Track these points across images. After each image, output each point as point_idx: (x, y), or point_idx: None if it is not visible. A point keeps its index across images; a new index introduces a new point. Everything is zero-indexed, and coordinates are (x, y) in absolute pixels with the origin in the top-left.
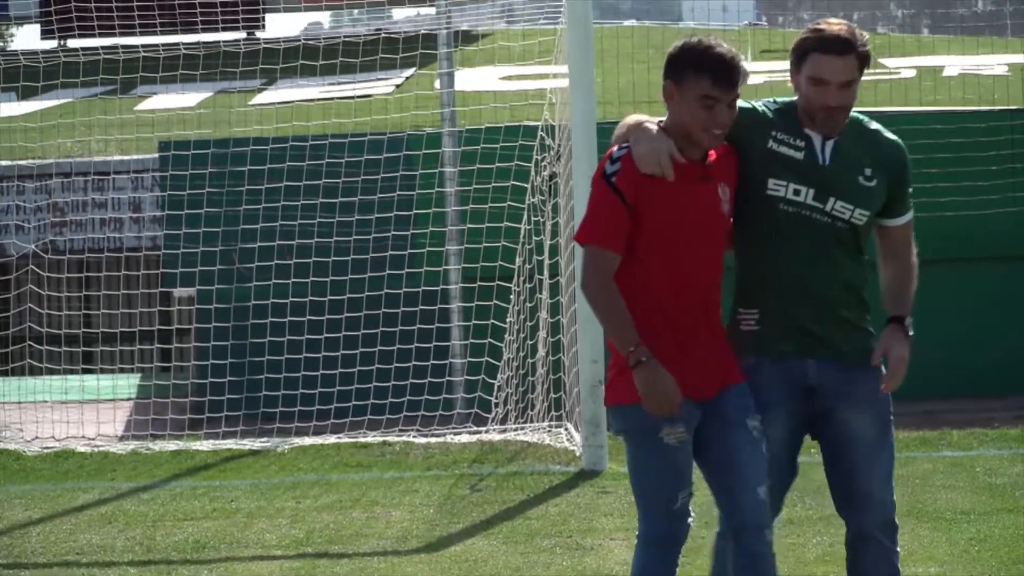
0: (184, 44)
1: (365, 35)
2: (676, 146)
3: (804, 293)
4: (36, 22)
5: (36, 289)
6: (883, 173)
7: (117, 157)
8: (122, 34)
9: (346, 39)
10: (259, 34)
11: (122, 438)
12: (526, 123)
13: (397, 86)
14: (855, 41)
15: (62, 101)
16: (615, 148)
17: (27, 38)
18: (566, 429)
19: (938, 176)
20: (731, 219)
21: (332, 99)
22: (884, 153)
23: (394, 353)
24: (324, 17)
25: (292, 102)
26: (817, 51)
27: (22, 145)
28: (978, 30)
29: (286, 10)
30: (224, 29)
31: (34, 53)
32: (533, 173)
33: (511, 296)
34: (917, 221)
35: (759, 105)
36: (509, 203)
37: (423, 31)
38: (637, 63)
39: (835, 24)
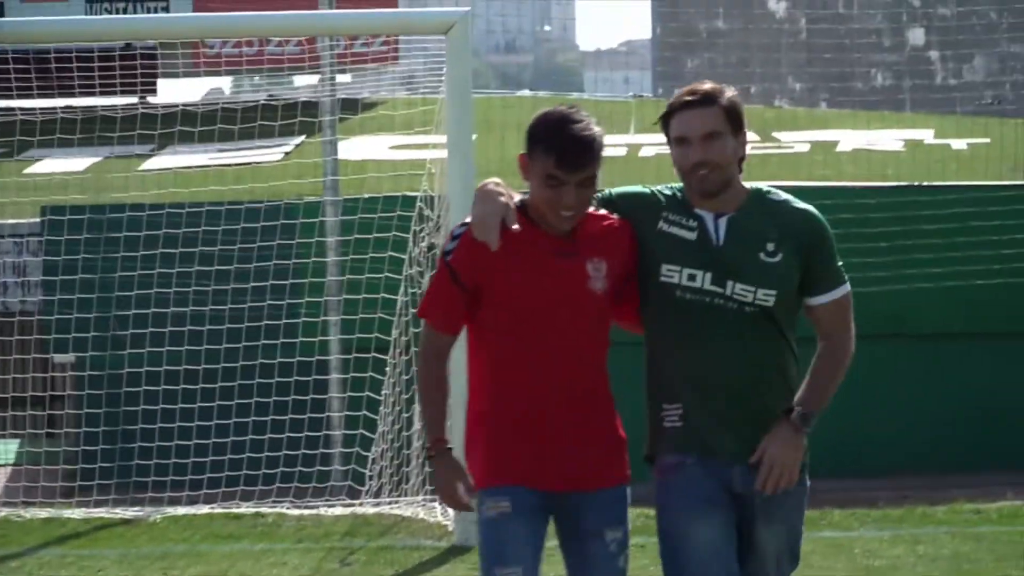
0: (76, 108)
1: (252, 102)
2: (541, 218)
3: (720, 387)
4: None
5: None
6: (791, 246)
7: (2, 220)
8: (11, 97)
9: (229, 105)
10: (151, 99)
11: (2, 504)
12: (406, 193)
13: (286, 153)
14: (716, 94)
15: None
16: (459, 224)
17: None
18: (440, 503)
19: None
20: (610, 297)
21: (220, 166)
22: (790, 223)
23: (268, 424)
24: (225, 83)
25: (180, 168)
26: (677, 110)
27: None
28: (876, 104)
29: (184, 75)
30: (118, 93)
31: None
32: (411, 244)
33: (387, 368)
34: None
35: (654, 188)
36: (387, 274)
37: (305, 99)
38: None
39: (695, 84)
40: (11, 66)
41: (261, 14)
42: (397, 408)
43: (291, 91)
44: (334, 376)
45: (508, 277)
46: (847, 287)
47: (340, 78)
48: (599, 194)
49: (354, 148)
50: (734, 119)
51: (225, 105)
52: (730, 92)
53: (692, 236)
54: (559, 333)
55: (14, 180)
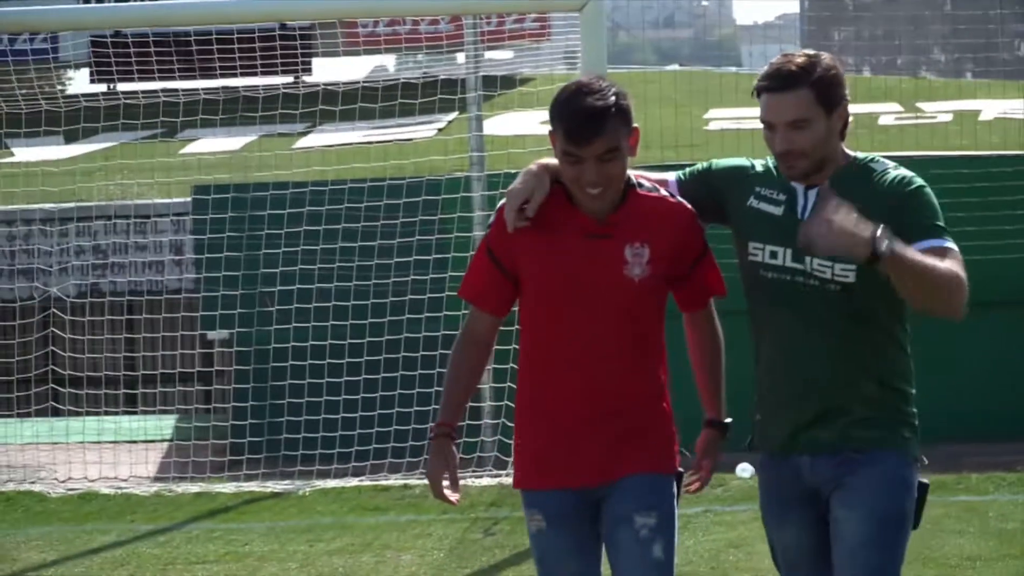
0: (229, 88)
1: (408, 79)
2: (578, 199)
3: (793, 374)
4: (86, 66)
5: (59, 333)
6: (875, 214)
7: (159, 200)
8: (170, 78)
9: (388, 83)
10: (306, 78)
11: (155, 480)
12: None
13: (439, 130)
14: (805, 73)
15: (106, 145)
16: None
17: (77, 82)
18: None
19: (965, 220)
20: (655, 283)
21: (372, 143)
22: (877, 191)
23: (415, 397)
24: (389, 61)
25: (332, 146)
26: (763, 91)
27: (66, 188)
28: (1020, 74)
29: (342, 54)
30: (271, 73)
31: (76, 97)
32: None
33: None
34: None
35: (753, 161)
36: None
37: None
38: (679, 106)
39: (788, 56)
40: (151, 49)
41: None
42: None
43: (452, 67)
44: None
45: (538, 259)
46: (950, 243)
47: (500, 55)
48: (699, 165)
49: (506, 124)
50: (827, 97)
51: (384, 83)
52: (825, 63)
53: (779, 211)
54: (591, 321)
55: (172, 160)
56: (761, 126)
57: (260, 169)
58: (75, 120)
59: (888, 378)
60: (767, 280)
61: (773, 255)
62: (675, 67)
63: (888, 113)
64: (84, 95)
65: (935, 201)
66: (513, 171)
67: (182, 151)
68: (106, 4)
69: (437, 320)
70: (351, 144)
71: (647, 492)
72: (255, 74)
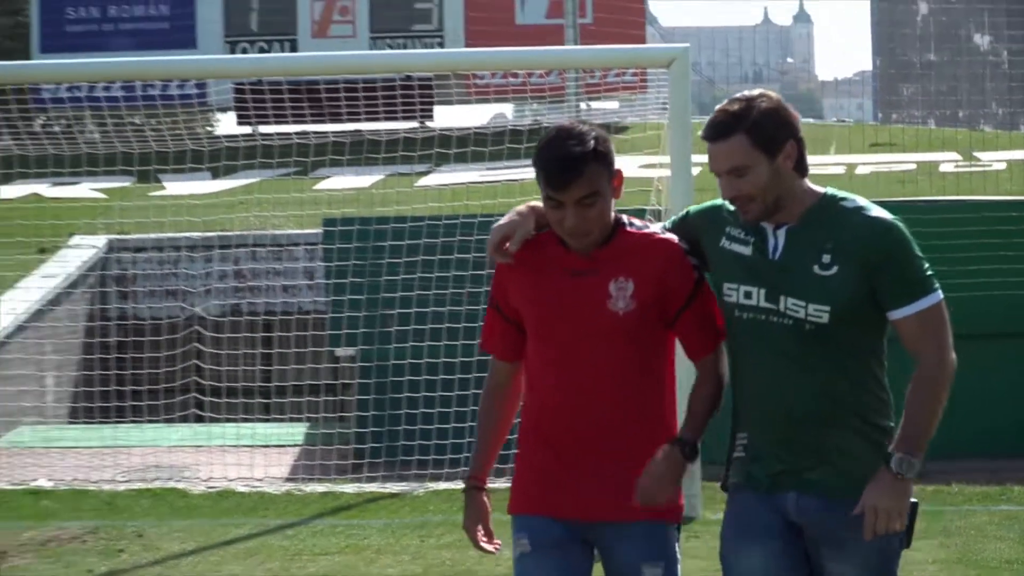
0: (356, 132)
1: (517, 126)
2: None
3: (776, 413)
4: (231, 110)
5: (203, 348)
6: (849, 257)
7: (293, 231)
8: (304, 122)
9: (497, 129)
10: (428, 123)
11: (286, 480)
12: (638, 206)
13: None
14: (737, 120)
15: (247, 181)
16: None
17: (224, 125)
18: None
19: (1012, 258)
20: (643, 318)
21: (484, 183)
22: (851, 233)
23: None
24: (508, 109)
25: (448, 185)
26: (704, 138)
27: (211, 219)
28: None
29: (457, 102)
30: (394, 119)
31: (220, 137)
32: None
33: None
34: (989, 298)
35: (724, 202)
36: None
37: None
38: None
39: (727, 103)
40: (286, 96)
41: (519, 49)
42: None
43: (560, 116)
44: None
45: (526, 298)
46: (932, 298)
47: (606, 105)
48: (680, 214)
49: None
50: (765, 139)
51: (493, 129)
52: (763, 106)
53: (748, 251)
54: (580, 355)
55: (306, 195)
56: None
57: (384, 204)
58: (220, 158)
59: (869, 414)
60: (743, 320)
61: (748, 295)
62: None
63: (948, 161)
64: (228, 136)
65: (913, 246)
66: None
67: (315, 187)
68: (247, 56)
69: None
70: (464, 183)
71: (653, 539)
72: (379, 119)
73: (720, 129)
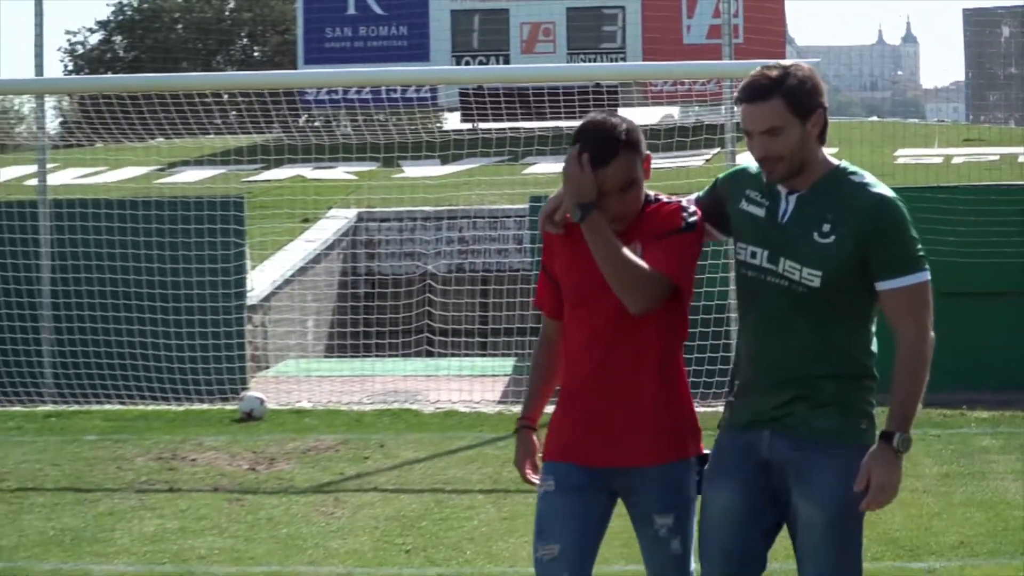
0: (557, 128)
1: (683, 124)
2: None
3: (765, 364)
4: (457, 110)
5: (433, 298)
6: (848, 228)
7: (506, 206)
8: (515, 120)
9: (669, 127)
10: None
11: (498, 402)
12: None
13: (707, 160)
14: (776, 84)
15: (470, 166)
16: None
17: (451, 121)
18: None
19: None
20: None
21: (657, 169)
22: (853, 206)
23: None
24: (675, 110)
25: None
26: (740, 102)
27: (441, 196)
28: None
29: (638, 105)
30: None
31: (448, 131)
32: None
33: None
34: None
35: (748, 165)
36: None
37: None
38: (875, 146)
39: (764, 69)
40: (501, 99)
41: (685, 63)
42: None
43: (715, 117)
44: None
45: (563, 264)
46: (919, 276)
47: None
48: (712, 182)
49: (749, 159)
50: (799, 105)
51: (666, 126)
52: (799, 74)
53: (761, 213)
54: (600, 315)
55: (516, 178)
56: (939, 159)
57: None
58: (448, 148)
59: (849, 373)
60: (747, 278)
61: (753, 255)
62: (874, 119)
63: None
64: (454, 130)
65: (909, 225)
66: None
67: (523, 171)
68: (470, 67)
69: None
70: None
71: (665, 490)
72: (575, 118)
73: (759, 91)
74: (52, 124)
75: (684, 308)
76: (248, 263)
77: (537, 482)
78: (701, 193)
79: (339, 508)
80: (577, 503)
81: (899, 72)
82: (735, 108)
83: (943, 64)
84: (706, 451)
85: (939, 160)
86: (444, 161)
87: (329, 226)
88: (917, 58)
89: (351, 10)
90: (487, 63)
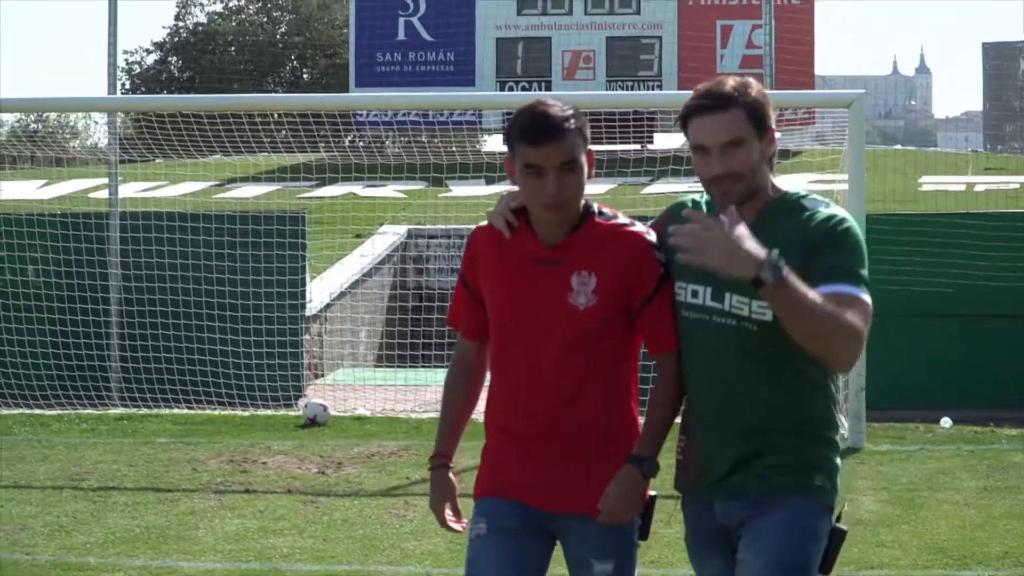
0: (600, 151)
1: None
2: (537, 224)
3: (710, 419)
4: (500, 132)
5: None
6: (796, 253)
7: None
8: None
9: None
10: (650, 146)
11: None
12: None
13: None
14: (738, 93)
15: (514, 187)
16: None
17: (491, 143)
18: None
19: None
20: (604, 313)
21: (693, 191)
22: (801, 228)
23: None
24: None
25: (666, 193)
26: (697, 112)
27: (480, 214)
28: None
29: (675, 131)
30: (626, 142)
31: (492, 152)
32: None
33: None
34: None
35: (694, 196)
36: None
37: None
38: (899, 174)
39: (718, 79)
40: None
41: None
42: None
43: None
44: None
45: (492, 284)
46: (860, 291)
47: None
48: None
49: (784, 183)
50: (759, 119)
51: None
52: (756, 86)
53: None
54: (539, 346)
55: None
56: (962, 186)
57: (631, 207)
58: (492, 169)
59: (805, 424)
60: (689, 321)
61: (694, 294)
62: (898, 146)
63: None
64: (498, 152)
65: (861, 246)
66: None
67: (676, 203)
68: (514, 93)
69: None
70: (678, 192)
71: (606, 533)
72: (615, 142)
73: (721, 100)
74: (105, 140)
75: (636, 347)
76: (307, 276)
77: (459, 528)
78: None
79: (410, 511)
80: (512, 549)
81: (912, 102)
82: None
83: (955, 94)
84: (652, 493)
85: (962, 188)
86: (488, 181)
87: (381, 242)
88: (930, 88)
89: (401, 36)
90: (530, 89)
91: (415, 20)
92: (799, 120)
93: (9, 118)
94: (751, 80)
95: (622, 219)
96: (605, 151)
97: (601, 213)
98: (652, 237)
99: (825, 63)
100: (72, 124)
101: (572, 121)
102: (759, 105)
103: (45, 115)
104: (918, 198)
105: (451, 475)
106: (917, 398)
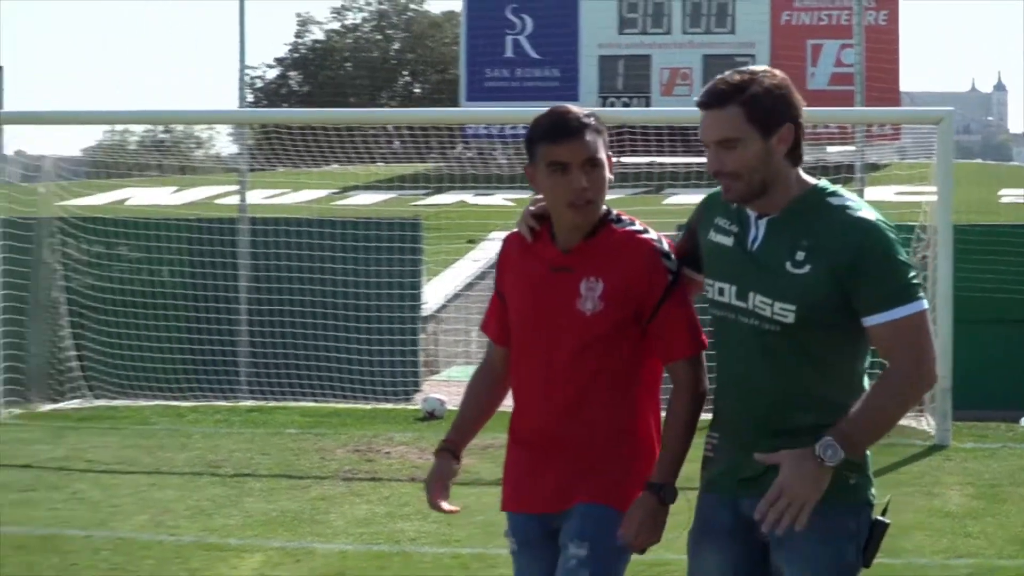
0: (694, 163)
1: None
2: (559, 230)
3: (739, 417)
4: None
5: None
6: (823, 257)
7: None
8: (654, 155)
9: None
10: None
11: None
12: (908, 223)
13: None
14: (736, 90)
15: (611, 196)
16: None
17: None
18: (925, 417)
19: None
20: (612, 319)
21: None
22: (829, 231)
23: None
24: None
25: None
26: (697, 105)
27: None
28: None
29: None
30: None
31: None
32: (912, 253)
33: None
34: None
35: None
36: None
37: (836, 163)
38: (979, 186)
39: (728, 72)
40: (637, 136)
41: (817, 109)
42: None
43: (829, 156)
44: None
45: (514, 289)
46: (911, 308)
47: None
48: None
49: (874, 193)
50: (761, 116)
51: None
52: (766, 82)
53: (729, 242)
54: (552, 353)
55: (656, 208)
56: None
57: None
58: None
59: (832, 422)
60: (716, 319)
61: (721, 292)
62: (977, 160)
63: None
64: None
65: (899, 253)
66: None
67: (663, 202)
68: (615, 108)
69: None
70: None
71: (587, 522)
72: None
73: (716, 97)
74: (230, 149)
75: (651, 356)
76: (423, 278)
77: (448, 508)
78: (680, 239)
79: None
80: (540, 561)
81: (989, 118)
82: (864, 150)
83: None
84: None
85: None
86: None
87: (491, 247)
88: (1006, 105)
89: (508, 53)
90: (630, 104)
91: (522, 38)
92: (886, 136)
93: (138, 129)
94: (768, 72)
95: (637, 227)
96: (696, 163)
97: (619, 220)
98: (662, 245)
99: (907, 81)
100: (197, 134)
101: (592, 119)
102: (763, 101)
103: (171, 126)
104: (999, 210)
105: (454, 463)
106: (999, 399)
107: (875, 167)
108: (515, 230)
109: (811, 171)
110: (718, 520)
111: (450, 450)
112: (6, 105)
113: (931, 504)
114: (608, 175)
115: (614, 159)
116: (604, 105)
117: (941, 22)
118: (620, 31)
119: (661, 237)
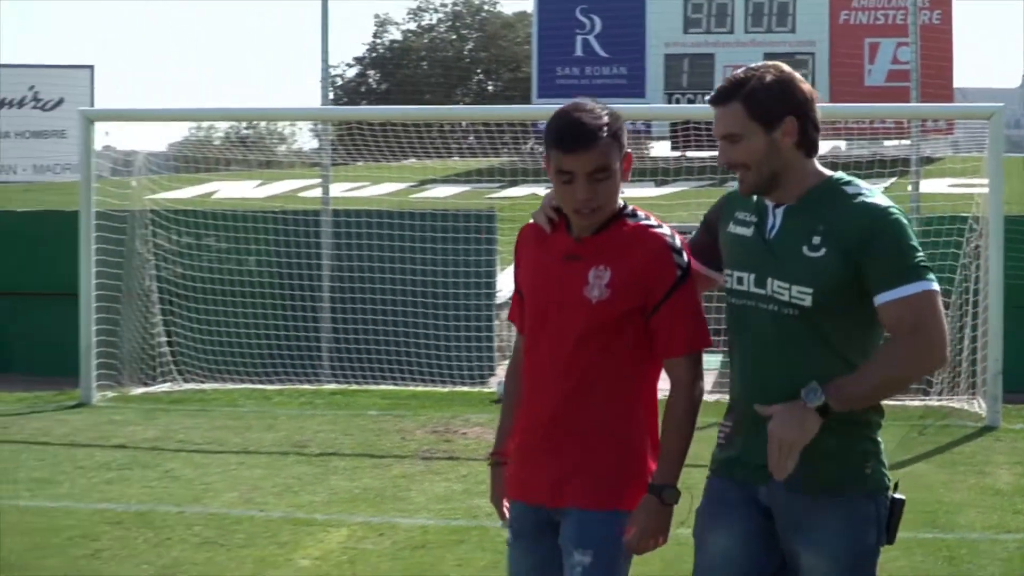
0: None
1: (857, 159)
2: (571, 221)
3: (753, 404)
4: (667, 139)
5: None
6: (836, 240)
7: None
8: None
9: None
10: None
11: (711, 392)
12: (962, 214)
13: (885, 188)
14: (735, 88)
15: (679, 188)
16: None
17: (657, 149)
18: (977, 400)
19: None
20: (618, 307)
21: None
22: (843, 216)
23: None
24: (842, 143)
25: None
26: (708, 103)
27: (658, 214)
28: None
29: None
30: None
31: (657, 158)
32: (964, 244)
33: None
34: None
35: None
36: (949, 262)
37: (892, 156)
38: None
39: (742, 69)
40: (703, 130)
41: (873, 105)
42: (957, 337)
43: (886, 150)
44: None
45: (527, 278)
46: (920, 286)
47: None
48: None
49: (929, 185)
50: (760, 111)
51: (832, 159)
52: (766, 76)
53: (748, 233)
54: (554, 341)
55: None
56: None
57: None
58: (658, 173)
59: (848, 412)
60: (735, 307)
61: (740, 281)
62: None
63: None
64: (663, 158)
65: (909, 234)
66: (938, 215)
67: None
68: (680, 106)
69: None
70: None
71: (589, 527)
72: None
73: (720, 94)
74: (311, 145)
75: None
76: (498, 267)
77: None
78: (694, 235)
79: None
80: (533, 553)
81: None
82: (919, 144)
83: None
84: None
85: None
86: (656, 184)
87: None
88: None
89: (578, 52)
90: (695, 100)
91: (591, 38)
92: (940, 131)
93: (222, 126)
94: (771, 67)
95: (651, 221)
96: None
97: (634, 215)
98: (675, 240)
99: (959, 77)
100: (280, 130)
101: (605, 129)
102: (760, 97)
103: (253, 123)
104: None
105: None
106: None
107: (929, 160)
108: (531, 221)
109: (869, 164)
110: (730, 500)
111: (502, 463)
112: (97, 103)
113: (982, 482)
114: (619, 180)
115: (679, 154)
116: (670, 101)
117: (993, 21)
118: (685, 30)
119: (674, 233)
